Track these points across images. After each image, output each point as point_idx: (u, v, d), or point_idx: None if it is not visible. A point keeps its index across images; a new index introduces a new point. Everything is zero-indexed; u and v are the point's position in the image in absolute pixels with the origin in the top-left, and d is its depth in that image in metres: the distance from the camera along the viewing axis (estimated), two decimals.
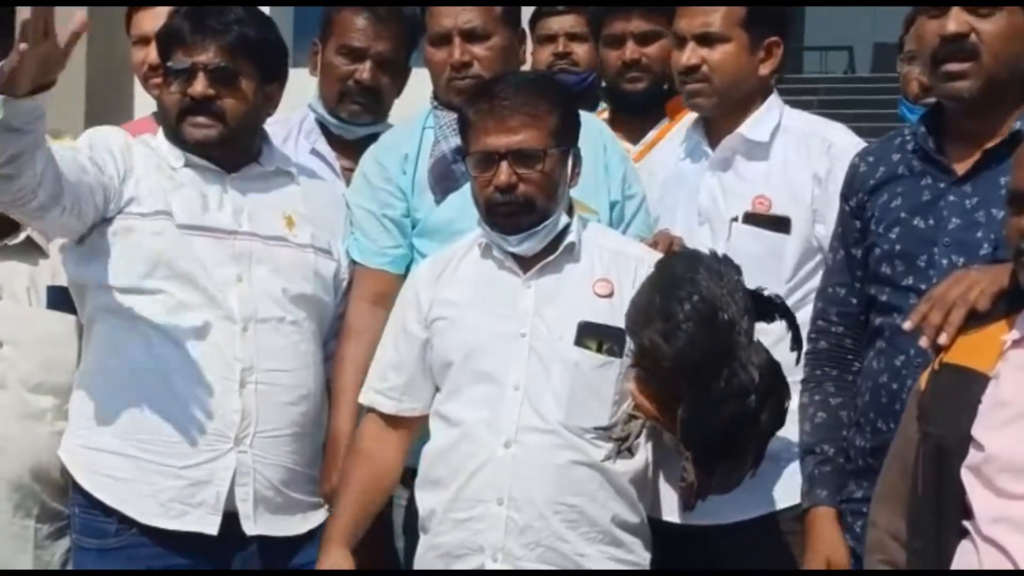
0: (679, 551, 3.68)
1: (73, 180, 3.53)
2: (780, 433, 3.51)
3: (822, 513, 3.46)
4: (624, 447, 3.45)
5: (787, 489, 3.66)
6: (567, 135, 3.60)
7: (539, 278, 3.59)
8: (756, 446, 3.44)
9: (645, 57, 4.47)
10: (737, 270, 3.44)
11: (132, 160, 3.75)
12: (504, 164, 3.51)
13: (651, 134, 4.47)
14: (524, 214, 3.53)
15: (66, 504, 3.81)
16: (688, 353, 3.29)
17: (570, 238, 3.60)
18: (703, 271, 3.38)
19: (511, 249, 3.58)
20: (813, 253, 3.79)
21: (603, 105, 4.73)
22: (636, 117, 4.52)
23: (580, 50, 4.78)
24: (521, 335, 3.53)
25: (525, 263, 3.60)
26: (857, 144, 3.84)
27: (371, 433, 3.71)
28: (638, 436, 3.46)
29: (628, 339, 3.45)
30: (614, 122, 4.49)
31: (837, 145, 3.84)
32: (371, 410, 3.74)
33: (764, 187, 3.84)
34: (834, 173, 3.76)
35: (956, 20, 3.25)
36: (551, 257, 3.59)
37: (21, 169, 3.32)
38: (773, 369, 3.40)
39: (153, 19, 4.45)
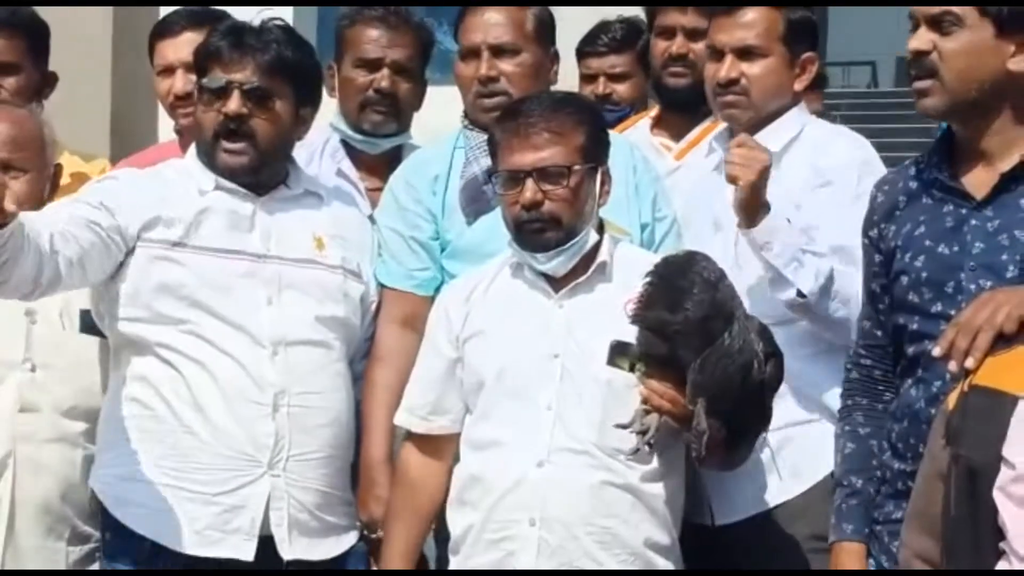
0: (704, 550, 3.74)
1: (74, 251, 3.51)
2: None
3: (847, 548, 3.46)
4: (646, 440, 3.44)
5: (793, 474, 3.78)
6: (595, 153, 3.60)
7: (571, 298, 3.58)
8: (764, 406, 3.48)
9: (692, 53, 4.49)
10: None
11: (152, 189, 3.73)
12: (529, 181, 3.52)
13: (694, 132, 4.49)
14: (551, 230, 3.53)
15: (97, 527, 3.82)
16: (695, 312, 3.34)
17: (602, 257, 3.59)
18: (699, 258, 3.45)
19: (540, 267, 3.57)
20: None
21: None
22: (681, 115, 4.55)
23: (621, 88, 4.80)
24: (554, 356, 3.53)
25: (556, 283, 3.60)
26: (859, 158, 3.86)
27: (413, 461, 3.71)
28: (657, 429, 3.45)
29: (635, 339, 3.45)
30: (661, 120, 4.56)
31: (839, 156, 3.87)
32: (408, 435, 3.74)
33: (769, 194, 3.86)
34: (833, 180, 3.79)
35: (919, 38, 3.26)
36: (583, 277, 3.58)
37: (8, 276, 3.30)
38: (768, 337, 3.46)
39: (176, 49, 4.46)
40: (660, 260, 3.48)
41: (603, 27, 4.98)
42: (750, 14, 3.91)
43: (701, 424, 3.37)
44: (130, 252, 3.68)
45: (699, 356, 3.35)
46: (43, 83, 4.52)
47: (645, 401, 3.44)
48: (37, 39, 4.50)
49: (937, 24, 3.24)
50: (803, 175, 3.87)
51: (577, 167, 3.54)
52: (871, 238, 3.46)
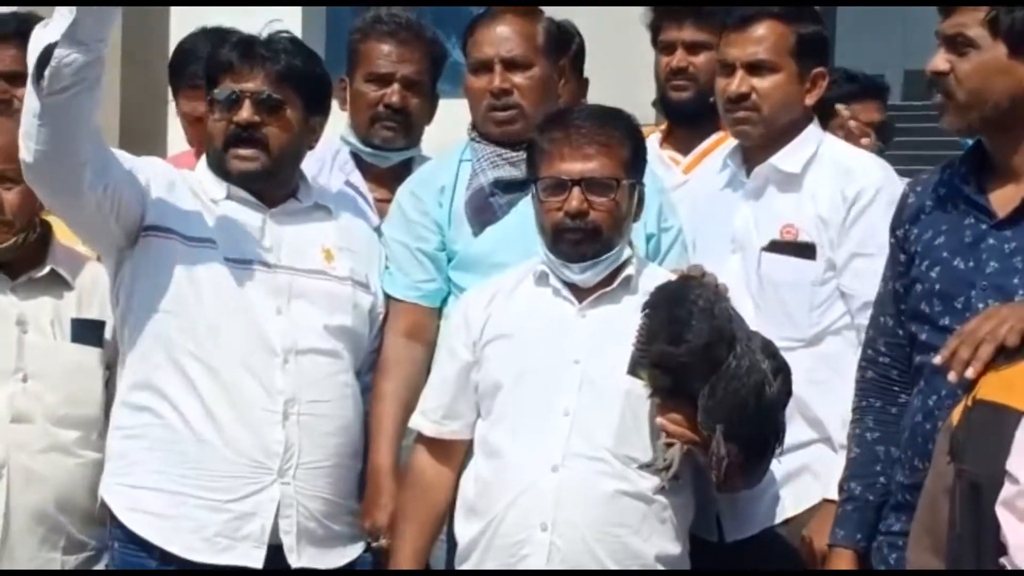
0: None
1: (116, 163, 3.62)
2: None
3: (837, 553, 3.50)
4: (670, 476, 3.46)
5: (801, 491, 3.81)
6: (636, 169, 3.64)
7: (594, 308, 3.60)
8: (777, 422, 3.49)
9: (692, 66, 4.51)
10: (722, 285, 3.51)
11: (175, 180, 3.79)
12: (576, 190, 3.54)
13: (702, 146, 4.50)
14: (590, 242, 3.56)
15: (93, 535, 3.85)
16: (697, 342, 3.34)
17: (628, 271, 3.61)
18: (693, 283, 3.46)
19: (573, 277, 3.59)
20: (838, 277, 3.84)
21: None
22: (688, 129, 4.56)
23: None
24: (575, 362, 3.55)
25: (580, 293, 3.61)
26: (884, 177, 3.87)
27: (423, 465, 3.73)
28: (681, 462, 3.46)
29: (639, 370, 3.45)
30: (669, 134, 4.58)
31: (864, 176, 3.87)
32: (419, 439, 3.76)
33: (792, 216, 3.88)
34: (858, 199, 3.81)
35: (938, 58, 3.27)
36: (608, 289, 3.60)
37: (78, 101, 3.43)
38: (772, 352, 3.46)
39: (193, 104, 4.49)
40: (653, 290, 3.48)
41: None
42: (760, 29, 3.92)
43: (720, 451, 3.38)
44: (149, 236, 3.71)
45: (707, 383, 3.36)
46: None
47: (664, 432, 3.45)
48: None
49: (952, 45, 3.25)
50: (834, 201, 3.86)
51: (624, 181, 3.58)
52: (897, 237, 3.47)
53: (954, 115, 3.27)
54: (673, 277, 3.60)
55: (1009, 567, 2.70)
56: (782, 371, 3.46)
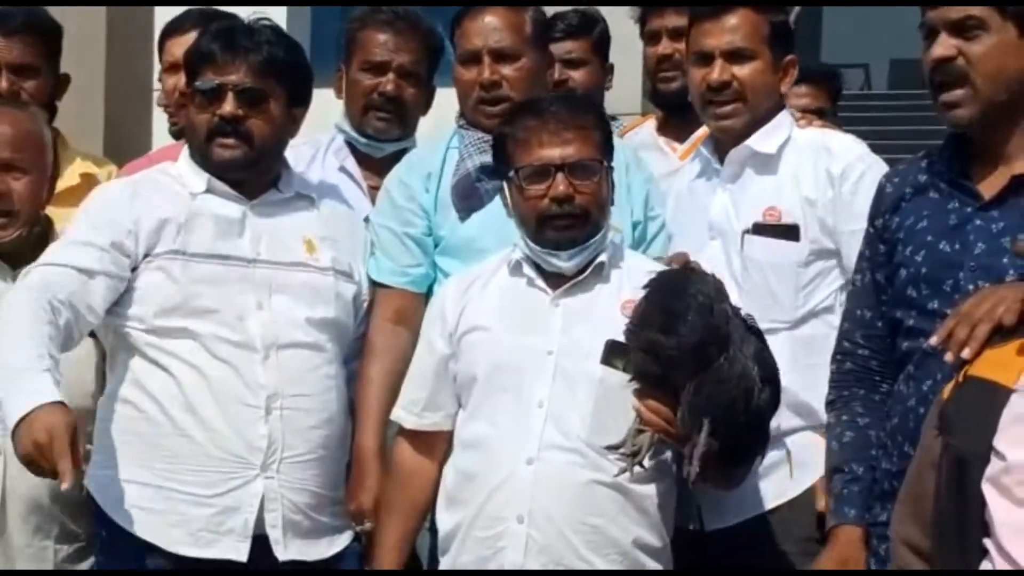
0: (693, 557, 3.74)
1: (88, 309, 3.57)
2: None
3: (847, 532, 3.44)
4: (636, 461, 3.44)
5: (783, 480, 3.79)
6: (609, 152, 3.63)
7: (567, 297, 3.59)
8: (763, 430, 3.46)
9: (677, 52, 4.52)
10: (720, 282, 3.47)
11: (140, 215, 3.70)
12: (560, 175, 3.53)
13: (697, 132, 4.48)
14: (579, 227, 3.55)
15: (85, 526, 3.84)
16: (689, 338, 3.31)
17: (601, 258, 3.60)
18: (695, 277, 3.43)
19: (561, 265, 3.58)
20: (824, 257, 3.83)
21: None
22: (682, 119, 4.56)
23: (577, 75, 4.79)
24: (548, 353, 3.53)
25: (554, 282, 3.60)
26: (865, 152, 3.88)
27: (405, 455, 3.74)
28: (649, 449, 3.44)
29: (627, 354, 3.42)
30: (665, 124, 4.62)
31: (845, 152, 3.87)
32: (400, 431, 3.76)
33: (773, 199, 3.87)
34: (847, 174, 3.80)
35: (943, 45, 3.24)
36: (581, 277, 3.59)
37: None
38: (762, 360, 3.42)
39: (182, 46, 4.46)
40: (656, 275, 3.47)
41: (558, 15, 5.01)
42: (734, 18, 3.90)
43: (701, 445, 3.35)
44: (131, 270, 3.69)
45: (694, 380, 3.33)
46: (57, 85, 4.54)
47: (639, 418, 3.42)
48: (53, 42, 4.52)
49: (959, 29, 3.23)
50: (819, 181, 3.85)
51: (605, 163, 3.57)
52: (876, 227, 3.46)
53: (971, 105, 3.24)
54: (655, 266, 3.59)
55: (992, 545, 2.70)
56: (771, 381, 3.43)
